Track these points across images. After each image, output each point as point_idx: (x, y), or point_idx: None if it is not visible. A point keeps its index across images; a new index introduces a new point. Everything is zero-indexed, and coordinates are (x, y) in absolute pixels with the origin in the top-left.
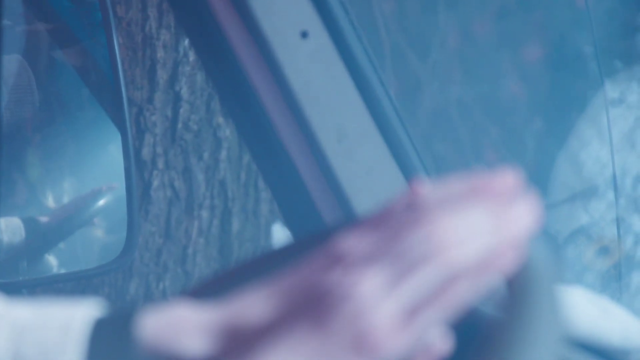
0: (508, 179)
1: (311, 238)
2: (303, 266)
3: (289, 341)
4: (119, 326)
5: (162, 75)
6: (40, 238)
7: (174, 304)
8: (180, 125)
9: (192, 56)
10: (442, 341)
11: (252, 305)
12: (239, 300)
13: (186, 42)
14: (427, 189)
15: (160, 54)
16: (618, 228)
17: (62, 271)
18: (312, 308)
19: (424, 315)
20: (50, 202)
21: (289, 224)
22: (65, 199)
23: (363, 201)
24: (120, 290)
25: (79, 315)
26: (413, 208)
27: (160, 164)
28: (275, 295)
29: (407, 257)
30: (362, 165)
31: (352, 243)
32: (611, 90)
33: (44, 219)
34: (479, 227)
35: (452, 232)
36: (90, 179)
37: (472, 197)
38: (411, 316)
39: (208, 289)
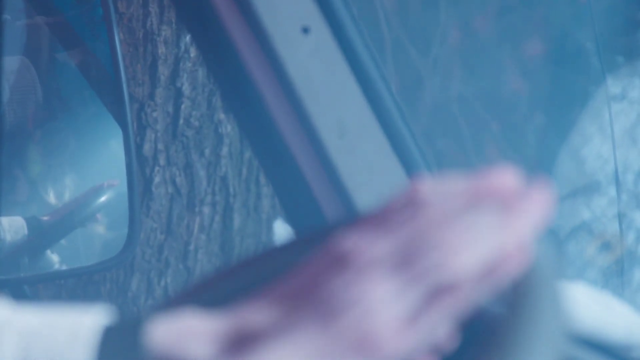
0: (510, 177)
1: (313, 234)
2: (307, 267)
3: (295, 343)
4: (127, 334)
5: (163, 72)
6: (42, 235)
7: (182, 312)
8: (181, 121)
9: (193, 52)
10: (446, 339)
11: (259, 311)
12: (245, 307)
13: (187, 38)
14: (428, 185)
15: (161, 50)
16: (620, 224)
17: (64, 267)
18: (318, 310)
19: (429, 319)
20: (52, 198)
21: (290, 219)
22: (67, 195)
23: (364, 197)
24: (122, 287)
25: (87, 322)
26: (415, 206)
27: (162, 160)
28: (280, 300)
29: (413, 262)
30: (363, 160)
31: (355, 243)
32: (613, 85)
33: (46, 217)
34: (486, 230)
35: (459, 237)
36: (92, 175)
37: (476, 197)
38: (416, 319)
39: (210, 287)
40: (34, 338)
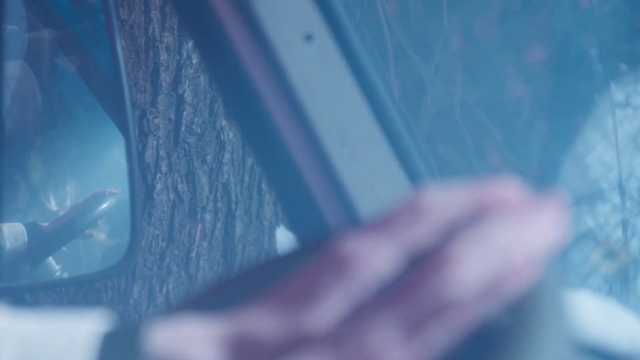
0: (516, 187)
1: (315, 242)
2: (308, 271)
3: (296, 350)
4: (126, 340)
5: (165, 78)
6: (43, 242)
7: (182, 318)
8: (183, 128)
9: (195, 59)
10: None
11: (260, 316)
12: (247, 312)
13: (189, 44)
14: (431, 192)
15: (163, 56)
16: (624, 231)
17: (65, 275)
18: (319, 316)
19: (432, 335)
20: (53, 205)
21: (292, 227)
22: (68, 202)
23: (367, 204)
24: (124, 294)
25: (86, 329)
26: (417, 213)
27: (164, 167)
28: (281, 305)
29: (415, 276)
30: (365, 167)
31: (355, 248)
32: (616, 92)
33: (46, 224)
34: (492, 243)
35: (463, 250)
36: (93, 182)
37: (482, 207)
38: (418, 335)
39: (212, 295)
40: (32, 345)
